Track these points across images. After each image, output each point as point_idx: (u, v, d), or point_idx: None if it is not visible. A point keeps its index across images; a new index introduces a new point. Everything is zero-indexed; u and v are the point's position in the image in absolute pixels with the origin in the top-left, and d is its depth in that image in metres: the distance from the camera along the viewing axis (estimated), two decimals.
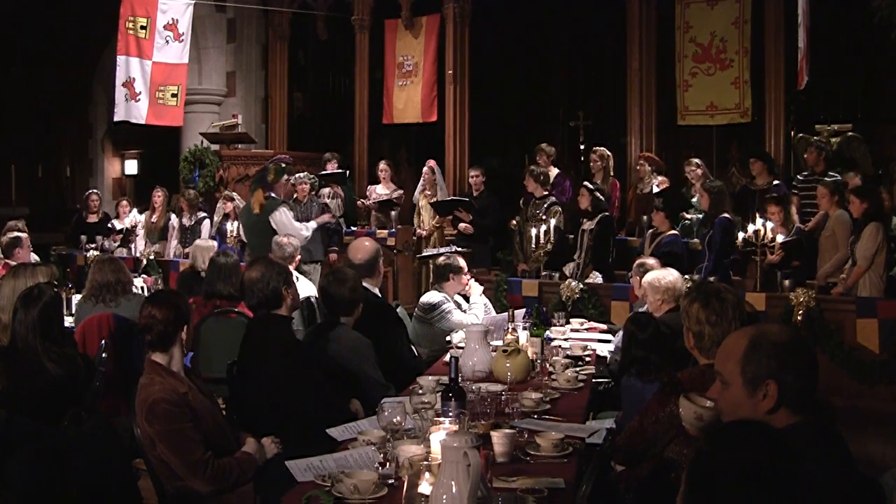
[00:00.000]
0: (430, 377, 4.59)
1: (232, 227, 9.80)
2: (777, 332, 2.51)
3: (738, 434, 2.09)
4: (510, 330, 5.43)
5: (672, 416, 3.32)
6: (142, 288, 8.32)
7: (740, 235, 8.08)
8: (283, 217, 8.64)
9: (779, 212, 8.33)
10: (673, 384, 3.45)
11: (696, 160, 10.11)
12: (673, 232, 8.56)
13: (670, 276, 5.50)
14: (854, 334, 7.50)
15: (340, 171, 11.42)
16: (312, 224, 9.29)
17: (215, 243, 8.50)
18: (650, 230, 8.91)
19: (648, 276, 5.63)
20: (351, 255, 5.69)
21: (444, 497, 2.47)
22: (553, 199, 9.56)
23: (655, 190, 10.00)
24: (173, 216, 11.62)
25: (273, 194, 8.82)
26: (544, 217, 9.13)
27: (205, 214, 11.32)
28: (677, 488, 2.07)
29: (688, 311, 3.60)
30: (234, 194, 11.02)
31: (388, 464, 3.19)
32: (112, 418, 4.58)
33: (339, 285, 4.86)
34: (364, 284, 5.32)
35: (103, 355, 5.13)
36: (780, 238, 7.99)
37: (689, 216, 9.83)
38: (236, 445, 3.89)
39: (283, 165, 9.38)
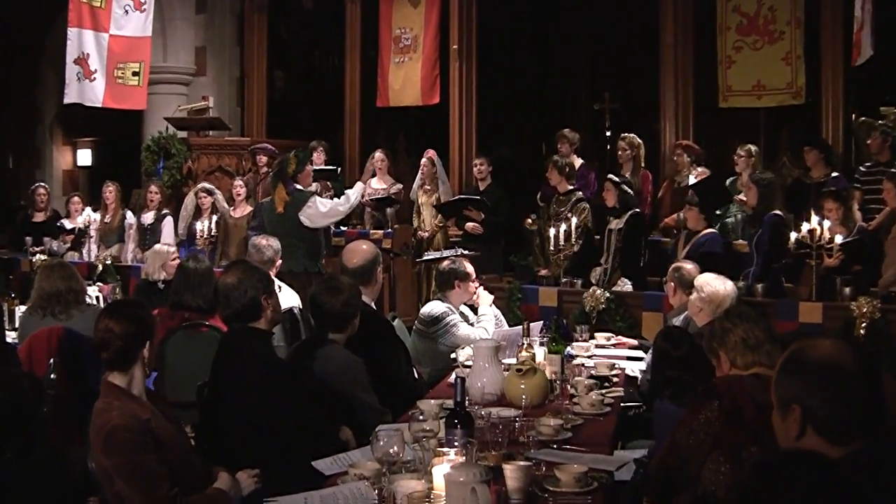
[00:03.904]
0: (432, 401, 4.58)
1: (203, 225, 9.80)
2: (816, 349, 2.54)
3: (787, 467, 2.09)
4: (525, 346, 5.44)
5: (708, 423, 3.40)
6: (97, 298, 8.32)
7: (793, 236, 8.07)
8: (317, 208, 8.64)
9: (837, 208, 8.31)
10: (708, 390, 3.52)
11: (752, 146, 10.05)
12: (710, 230, 8.56)
13: (722, 286, 5.64)
14: None
15: (330, 167, 11.43)
16: (354, 190, 9.14)
17: (171, 248, 8.49)
18: (685, 230, 8.90)
19: (702, 277, 5.80)
20: (345, 260, 5.69)
21: None
22: (580, 193, 9.59)
23: (693, 182, 9.99)
24: (130, 214, 11.63)
25: (299, 186, 8.80)
26: (569, 215, 9.12)
27: (167, 212, 11.33)
28: None
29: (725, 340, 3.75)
30: (213, 187, 11.02)
31: (383, 501, 3.19)
32: (63, 449, 4.58)
33: (331, 296, 4.86)
34: None
35: (52, 376, 5.14)
36: (838, 239, 7.96)
37: (731, 213, 9.80)
38: (207, 480, 3.89)
39: (305, 151, 9.39)
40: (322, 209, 8.72)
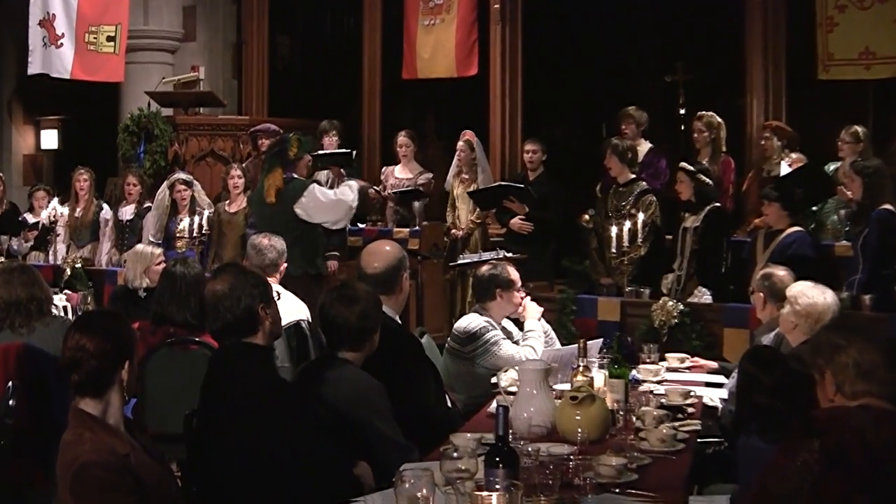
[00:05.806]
0: (468, 435, 4.59)
1: (187, 223, 9.83)
2: None
3: None
4: (581, 368, 5.43)
5: (806, 466, 3.35)
6: (65, 308, 8.36)
7: None
8: (315, 197, 8.66)
9: None
10: (807, 424, 3.46)
11: (859, 128, 9.96)
12: (797, 229, 8.54)
13: (821, 297, 5.67)
14: None
15: (344, 150, 11.44)
16: (351, 184, 9.14)
17: (156, 250, 8.53)
18: (763, 229, 8.86)
19: (797, 286, 5.82)
20: (364, 264, 5.67)
21: None
22: (644, 184, 9.57)
23: (786, 171, 9.94)
24: (106, 207, 11.67)
25: (295, 175, 8.83)
26: (633, 210, 9.09)
27: (150, 205, 11.37)
28: None
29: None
30: (192, 178, 11.06)
31: None
32: (23, 489, 4.61)
33: (344, 306, 4.84)
34: None
35: (10, 402, 5.17)
36: None
37: (830, 209, 9.74)
38: None
39: (308, 137, 9.45)
40: (322, 199, 8.68)
